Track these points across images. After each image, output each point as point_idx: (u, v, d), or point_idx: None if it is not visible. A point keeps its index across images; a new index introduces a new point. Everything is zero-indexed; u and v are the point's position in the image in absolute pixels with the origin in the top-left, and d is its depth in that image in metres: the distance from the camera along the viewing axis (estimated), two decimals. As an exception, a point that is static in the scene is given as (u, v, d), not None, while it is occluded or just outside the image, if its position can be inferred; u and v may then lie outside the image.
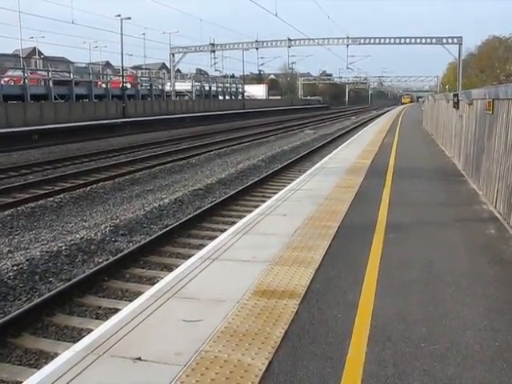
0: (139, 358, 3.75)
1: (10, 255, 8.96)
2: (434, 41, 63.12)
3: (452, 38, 62.22)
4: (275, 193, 11.65)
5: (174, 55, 71.55)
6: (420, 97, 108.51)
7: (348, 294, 5.00)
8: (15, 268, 8.02)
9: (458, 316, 4.52)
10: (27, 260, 8.36)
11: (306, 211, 8.43)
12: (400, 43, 65.08)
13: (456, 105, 14.61)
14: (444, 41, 62.29)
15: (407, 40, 64.51)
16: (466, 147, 12.70)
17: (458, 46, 62.34)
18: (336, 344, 4.02)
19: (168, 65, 77.68)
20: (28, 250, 9.15)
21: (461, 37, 62.01)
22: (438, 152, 18.09)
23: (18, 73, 40.36)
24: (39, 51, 73.92)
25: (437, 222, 7.97)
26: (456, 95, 14.97)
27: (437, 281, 5.40)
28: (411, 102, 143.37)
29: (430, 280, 5.42)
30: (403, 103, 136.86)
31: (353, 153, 17.46)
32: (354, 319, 4.45)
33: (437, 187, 11.21)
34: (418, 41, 64.01)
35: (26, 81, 38.85)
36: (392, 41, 64.93)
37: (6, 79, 38.83)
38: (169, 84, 67.52)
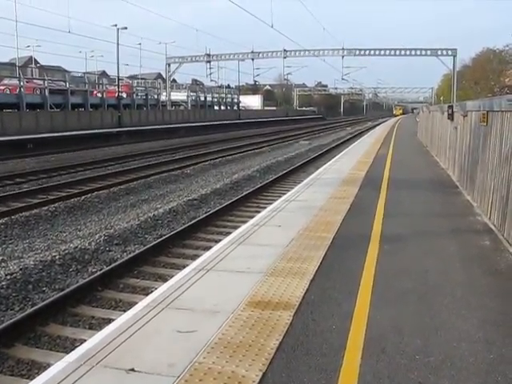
0: (133, 369, 3.72)
1: (3, 264, 8.91)
2: (428, 52, 63.53)
3: (447, 49, 62.67)
4: (270, 203, 11.64)
5: (169, 65, 71.72)
6: (415, 108, 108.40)
7: (343, 305, 4.99)
8: (8, 277, 7.98)
9: (453, 327, 4.51)
10: (21, 269, 8.32)
11: (300, 222, 8.43)
12: (395, 55, 65.52)
13: (451, 116, 14.67)
14: (439, 52, 62.71)
15: (402, 52, 64.95)
16: (460, 159, 12.74)
17: (452, 57, 62.73)
18: (330, 356, 4.01)
19: (164, 75, 77.80)
20: (22, 259, 9.10)
21: (455, 49, 62.53)
22: (433, 163, 18.14)
23: (14, 81, 40.37)
24: (35, 60, 74.02)
25: (432, 233, 7.97)
26: (451, 107, 15.04)
27: (432, 291, 5.39)
28: (403, 113, 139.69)
29: (425, 291, 5.42)
30: (395, 115, 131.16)
31: (348, 164, 17.49)
32: (349, 330, 4.44)
33: (431, 198, 11.24)
34: (413, 52, 64.41)
35: (22, 89, 38.83)
36: (387, 52, 65.32)
37: (1, 88, 38.84)
38: (164, 94, 67.65)
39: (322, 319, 4.67)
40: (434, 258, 6.68)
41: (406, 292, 5.38)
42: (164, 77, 77.22)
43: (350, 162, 18.19)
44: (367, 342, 4.23)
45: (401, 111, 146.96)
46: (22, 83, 39.19)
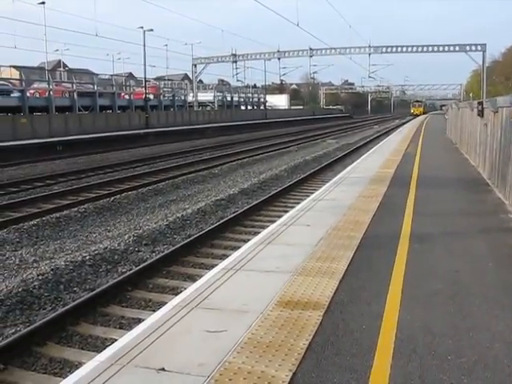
0: (163, 369, 3.74)
1: (35, 264, 9.05)
2: (457, 48, 62.77)
3: (475, 45, 61.85)
4: (298, 203, 11.61)
5: (196, 66, 72.19)
6: (443, 105, 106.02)
7: (372, 305, 4.95)
8: (40, 277, 8.10)
9: (486, 328, 4.43)
10: (52, 269, 8.44)
11: (329, 221, 8.38)
12: (422, 51, 64.88)
13: (481, 113, 14.45)
14: (467, 48, 61.91)
15: (430, 48, 64.28)
16: (491, 156, 12.54)
17: (481, 53, 61.87)
18: (361, 356, 3.97)
19: (190, 75, 78.28)
20: (53, 260, 9.24)
21: (485, 44, 61.66)
22: (463, 161, 17.91)
23: (44, 85, 40.97)
24: (64, 63, 75.04)
25: (462, 232, 7.86)
26: (481, 103, 14.81)
27: (463, 292, 5.31)
28: (425, 112, 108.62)
29: (456, 291, 5.34)
30: (413, 114, 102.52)
31: (376, 162, 17.35)
32: (379, 331, 4.40)
33: (462, 196, 11.08)
34: (441, 49, 63.73)
35: (51, 93, 39.40)
36: (414, 49, 64.78)
37: (31, 91, 39.42)
38: (191, 94, 68.03)
39: (352, 319, 4.63)
40: (464, 257, 6.59)
41: (436, 292, 5.31)
42: (190, 77, 77.70)
43: (378, 160, 18.05)
44: (398, 342, 4.19)
45: (421, 109, 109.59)
46: (51, 86, 39.77)
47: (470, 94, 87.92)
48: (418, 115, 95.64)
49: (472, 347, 4.09)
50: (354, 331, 4.40)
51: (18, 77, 42.24)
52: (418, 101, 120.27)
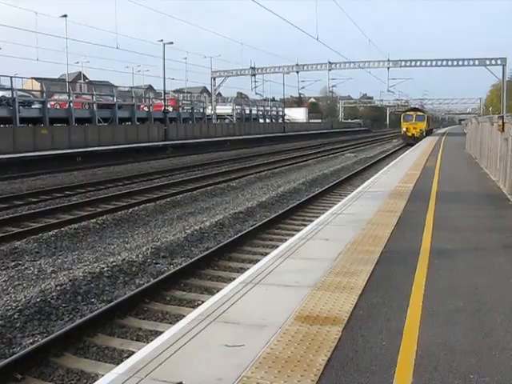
0: (181, 383, 3.72)
1: (53, 275, 9.10)
2: (476, 62, 62.24)
3: (495, 59, 61.26)
4: (316, 217, 11.57)
5: (215, 79, 72.45)
6: (462, 119, 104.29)
7: (392, 321, 4.89)
8: (58, 288, 8.13)
9: (509, 346, 4.34)
10: (70, 280, 8.47)
11: (348, 236, 8.33)
12: (441, 65, 64.51)
13: (501, 127, 14.33)
14: (487, 62, 61.37)
15: (449, 62, 63.86)
16: (512, 171, 12.41)
17: (501, 67, 61.41)
18: (381, 373, 3.91)
19: (209, 88, 78.65)
20: (71, 271, 9.28)
21: (505, 58, 61.01)
22: (482, 176, 17.74)
23: (64, 97, 41.47)
24: (84, 75, 75.88)
25: (483, 248, 7.76)
26: (501, 117, 14.69)
27: (485, 309, 5.23)
28: (427, 132, 58.29)
29: (477, 308, 5.26)
30: (407, 136, 54.24)
31: (395, 176, 17.25)
32: (399, 347, 4.33)
33: (482, 212, 10.95)
34: (460, 63, 63.23)
35: (71, 104, 39.84)
36: (433, 63, 64.41)
37: (52, 103, 39.90)
38: (210, 107, 68.32)
39: (372, 335, 4.58)
40: (485, 274, 6.49)
41: (457, 309, 5.23)
42: (209, 90, 78.08)
43: (397, 174, 17.94)
44: (418, 359, 4.12)
45: (422, 125, 55.34)
46: (71, 98, 40.22)
47: (490, 109, 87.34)
48: (415, 138, 52.09)
49: (495, 366, 4.01)
50: (374, 347, 4.34)
51: (39, 88, 42.82)
52: (415, 109, 64.14)
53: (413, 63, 65.77)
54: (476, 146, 25.36)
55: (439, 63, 64.27)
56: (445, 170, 19.52)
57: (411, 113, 57.00)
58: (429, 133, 60.30)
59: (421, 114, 57.26)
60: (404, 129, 55.28)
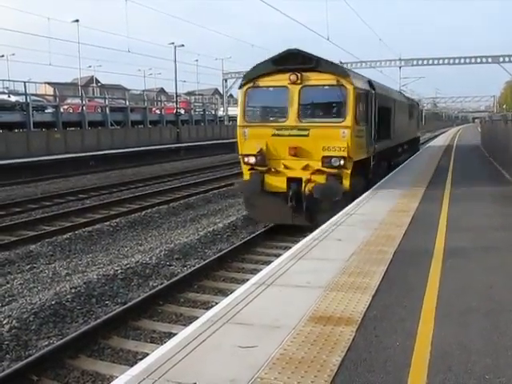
0: (195, 384, 3.72)
1: (68, 278, 9.17)
2: (489, 60, 61.82)
3: (509, 56, 60.82)
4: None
5: (226, 81, 72.51)
6: (476, 118, 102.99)
7: (406, 322, 4.86)
8: (73, 291, 8.19)
9: (524, 346, 4.32)
10: (84, 283, 8.53)
11: (360, 236, 8.30)
12: (454, 63, 64.07)
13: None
14: (501, 59, 60.93)
15: (461, 60, 63.41)
16: (526, 169, 12.32)
17: (515, 64, 60.93)
18: (395, 373, 3.90)
19: (221, 90, 78.72)
20: (85, 273, 9.34)
21: (519, 55, 60.60)
22: (497, 174, 17.59)
23: (77, 100, 41.77)
24: (96, 79, 76.35)
25: (497, 248, 7.69)
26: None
27: (499, 309, 5.18)
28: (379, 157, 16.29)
29: (491, 308, 5.21)
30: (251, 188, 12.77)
31: (407, 176, 17.14)
32: (413, 348, 4.31)
33: (495, 211, 10.86)
34: (473, 60, 62.77)
35: (84, 108, 40.09)
36: (445, 61, 64.01)
37: (65, 107, 40.18)
38: (222, 109, 68.41)
39: (385, 335, 4.56)
40: (499, 273, 6.43)
41: (471, 308, 5.19)
42: (221, 92, 78.16)
43: (410, 173, 17.84)
44: (432, 359, 4.10)
45: (345, 141, 11.53)
46: (84, 102, 40.47)
47: (504, 106, 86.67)
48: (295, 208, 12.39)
49: (511, 366, 3.98)
50: (388, 348, 4.32)
51: (52, 93, 43.14)
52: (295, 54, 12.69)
53: (425, 62, 65.45)
54: (490, 143, 25.18)
55: (452, 61, 63.83)
56: (458, 168, 19.30)
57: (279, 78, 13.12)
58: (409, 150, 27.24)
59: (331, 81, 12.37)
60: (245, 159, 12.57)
